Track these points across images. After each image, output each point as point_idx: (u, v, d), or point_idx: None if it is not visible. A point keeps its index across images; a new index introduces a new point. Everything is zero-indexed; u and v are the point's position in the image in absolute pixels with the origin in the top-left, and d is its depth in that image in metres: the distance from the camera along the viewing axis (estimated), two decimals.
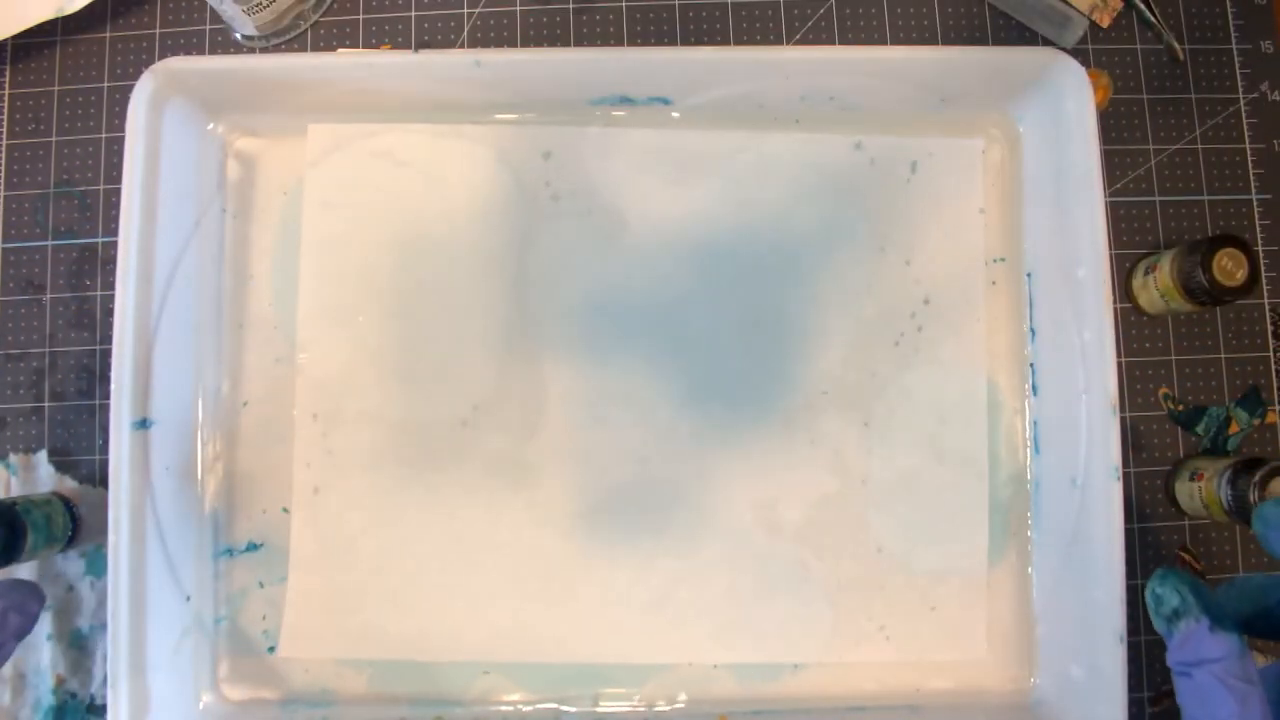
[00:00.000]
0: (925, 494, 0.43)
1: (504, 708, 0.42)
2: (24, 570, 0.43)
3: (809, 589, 0.42)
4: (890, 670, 0.43)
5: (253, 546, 0.43)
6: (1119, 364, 0.41)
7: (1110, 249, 0.40)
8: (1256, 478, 0.40)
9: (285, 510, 0.43)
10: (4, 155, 0.47)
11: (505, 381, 0.43)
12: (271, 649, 0.42)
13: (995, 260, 0.45)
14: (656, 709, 0.42)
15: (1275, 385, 0.46)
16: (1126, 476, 0.45)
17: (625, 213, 0.44)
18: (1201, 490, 0.43)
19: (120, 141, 0.40)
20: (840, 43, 0.48)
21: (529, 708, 0.42)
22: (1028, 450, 0.44)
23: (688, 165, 0.44)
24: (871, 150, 0.44)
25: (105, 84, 0.47)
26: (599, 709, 0.42)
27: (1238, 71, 0.48)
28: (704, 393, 0.43)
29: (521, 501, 0.43)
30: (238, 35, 0.47)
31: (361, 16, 0.48)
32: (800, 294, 0.44)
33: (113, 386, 0.39)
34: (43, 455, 0.45)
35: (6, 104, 0.47)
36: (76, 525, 0.43)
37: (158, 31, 0.48)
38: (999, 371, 0.44)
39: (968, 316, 0.44)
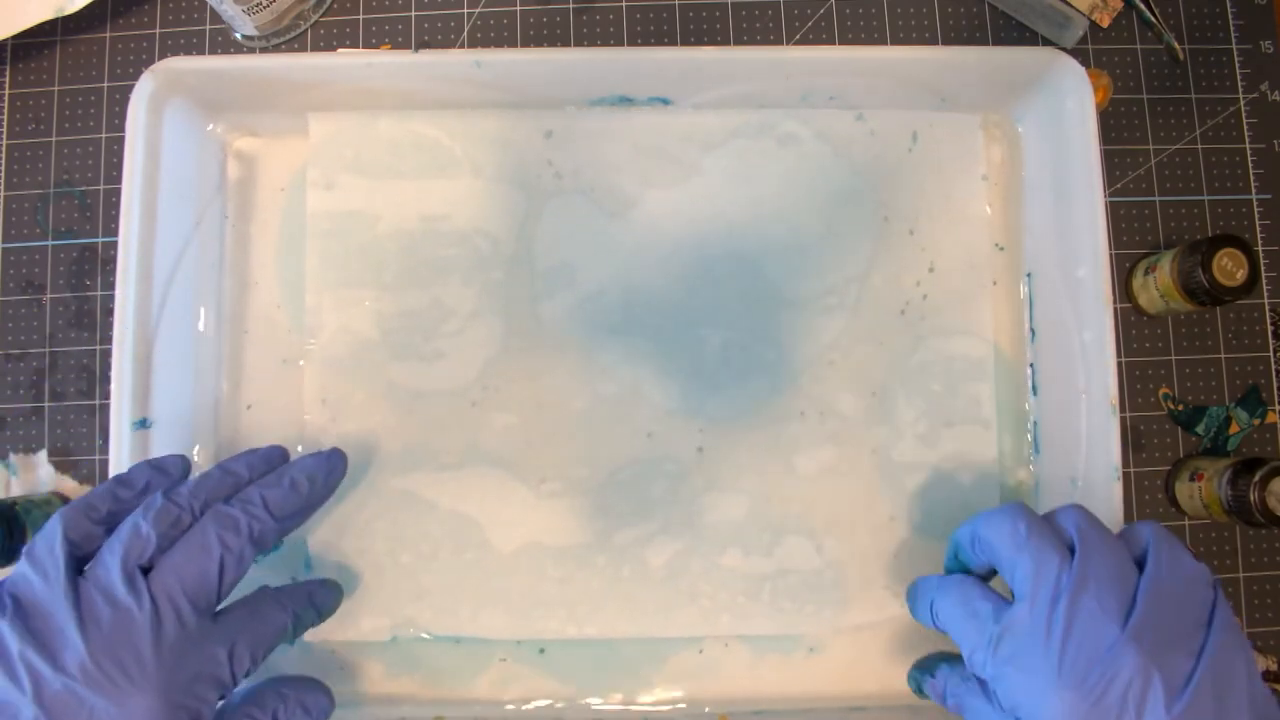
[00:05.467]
0: (936, 459, 0.43)
1: (508, 705, 0.42)
2: None
3: (821, 559, 0.42)
4: (891, 667, 0.43)
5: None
6: (1119, 364, 0.41)
7: (1110, 249, 0.40)
8: (1256, 478, 0.41)
9: None
10: (4, 155, 0.47)
11: (513, 360, 0.43)
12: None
13: (996, 247, 0.45)
14: (664, 702, 0.42)
15: (1275, 385, 0.46)
16: (1126, 476, 0.45)
17: (628, 189, 0.44)
18: (1201, 490, 0.43)
19: (120, 141, 0.41)
20: (840, 43, 0.48)
21: (529, 705, 0.42)
22: (1028, 450, 0.44)
23: (691, 141, 0.44)
24: (872, 122, 0.44)
25: (105, 84, 0.47)
26: (599, 707, 0.42)
27: (1238, 71, 0.48)
28: (710, 365, 0.43)
29: (531, 479, 0.43)
30: (238, 35, 0.47)
31: (361, 16, 0.48)
32: (805, 265, 0.44)
33: (113, 386, 0.39)
34: (43, 455, 0.45)
35: (6, 104, 0.47)
36: None
37: (158, 31, 0.48)
38: (1000, 372, 0.44)
39: (973, 283, 0.44)
